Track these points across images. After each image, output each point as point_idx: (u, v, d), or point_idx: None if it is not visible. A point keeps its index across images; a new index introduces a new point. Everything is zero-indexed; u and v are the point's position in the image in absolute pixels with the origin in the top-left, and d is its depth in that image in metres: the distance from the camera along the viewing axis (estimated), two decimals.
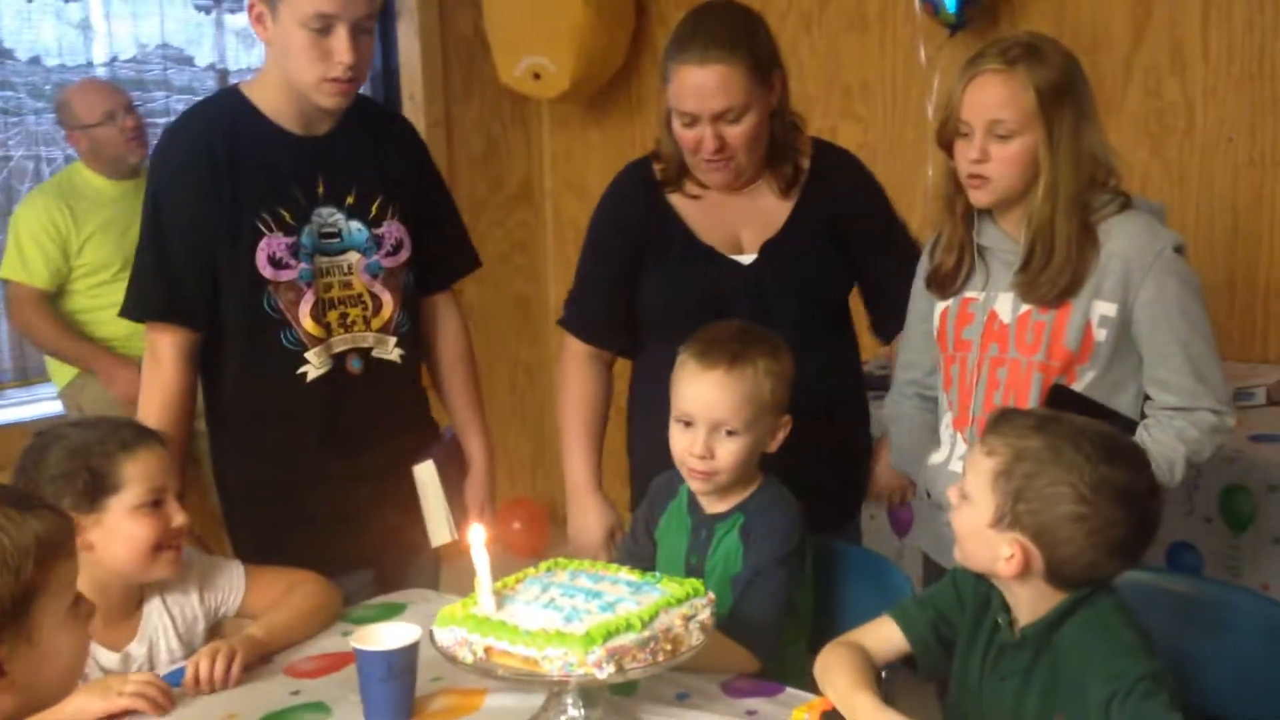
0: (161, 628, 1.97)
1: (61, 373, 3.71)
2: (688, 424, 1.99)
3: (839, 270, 2.38)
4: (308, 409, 2.26)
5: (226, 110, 2.24)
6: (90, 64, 4.07)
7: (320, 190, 2.24)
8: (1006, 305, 2.06)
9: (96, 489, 1.87)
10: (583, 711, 1.65)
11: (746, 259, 2.33)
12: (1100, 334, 2.00)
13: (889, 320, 2.43)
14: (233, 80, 4.32)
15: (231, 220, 2.19)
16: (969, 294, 2.11)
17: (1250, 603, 1.94)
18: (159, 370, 2.23)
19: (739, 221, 2.34)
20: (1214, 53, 3.44)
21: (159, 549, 1.91)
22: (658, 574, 1.78)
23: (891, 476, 2.44)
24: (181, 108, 4.17)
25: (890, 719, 1.56)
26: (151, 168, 2.30)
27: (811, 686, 1.75)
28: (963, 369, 2.11)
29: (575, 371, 2.46)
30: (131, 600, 1.97)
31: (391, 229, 2.31)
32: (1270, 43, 3.36)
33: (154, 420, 2.13)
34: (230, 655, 1.85)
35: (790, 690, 1.79)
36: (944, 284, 2.13)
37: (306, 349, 2.23)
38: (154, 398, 2.23)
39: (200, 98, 2.67)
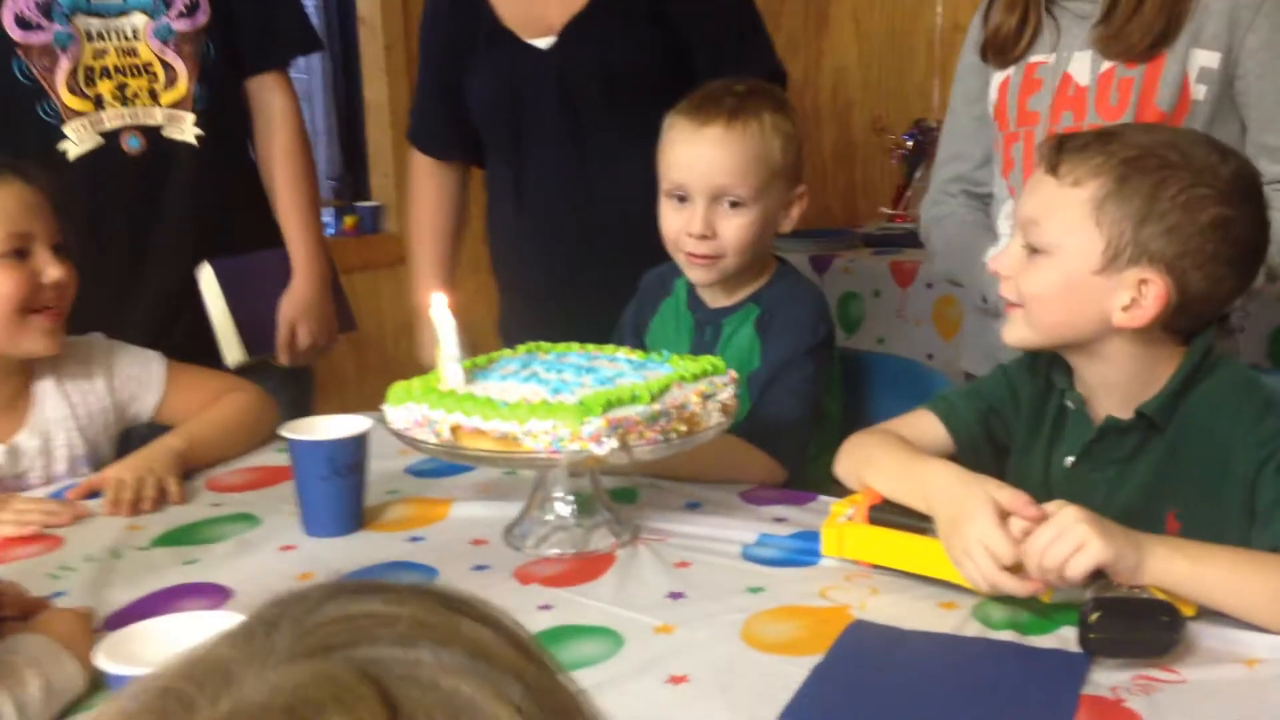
0: (59, 418, 1.62)
1: None
2: (682, 198, 1.64)
3: (659, 53, 1.98)
4: (73, 189, 1.89)
5: None
6: None
7: None
8: (1084, 65, 1.71)
9: None
10: (573, 509, 1.33)
11: (545, 42, 1.99)
12: (1199, 90, 1.66)
13: None
14: None
15: None
16: (1035, 58, 1.75)
17: None
18: None
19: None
20: None
21: (26, 312, 1.55)
22: (665, 352, 1.44)
23: None
24: None
25: (981, 480, 1.20)
26: None
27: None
28: (1028, 146, 1.75)
29: (425, 182, 2.21)
30: (17, 380, 1.61)
31: None
32: None
33: None
34: (156, 482, 1.51)
35: (824, 498, 1.47)
36: (1004, 48, 1.78)
37: (65, 122, 1.91)
38: None
39: None
